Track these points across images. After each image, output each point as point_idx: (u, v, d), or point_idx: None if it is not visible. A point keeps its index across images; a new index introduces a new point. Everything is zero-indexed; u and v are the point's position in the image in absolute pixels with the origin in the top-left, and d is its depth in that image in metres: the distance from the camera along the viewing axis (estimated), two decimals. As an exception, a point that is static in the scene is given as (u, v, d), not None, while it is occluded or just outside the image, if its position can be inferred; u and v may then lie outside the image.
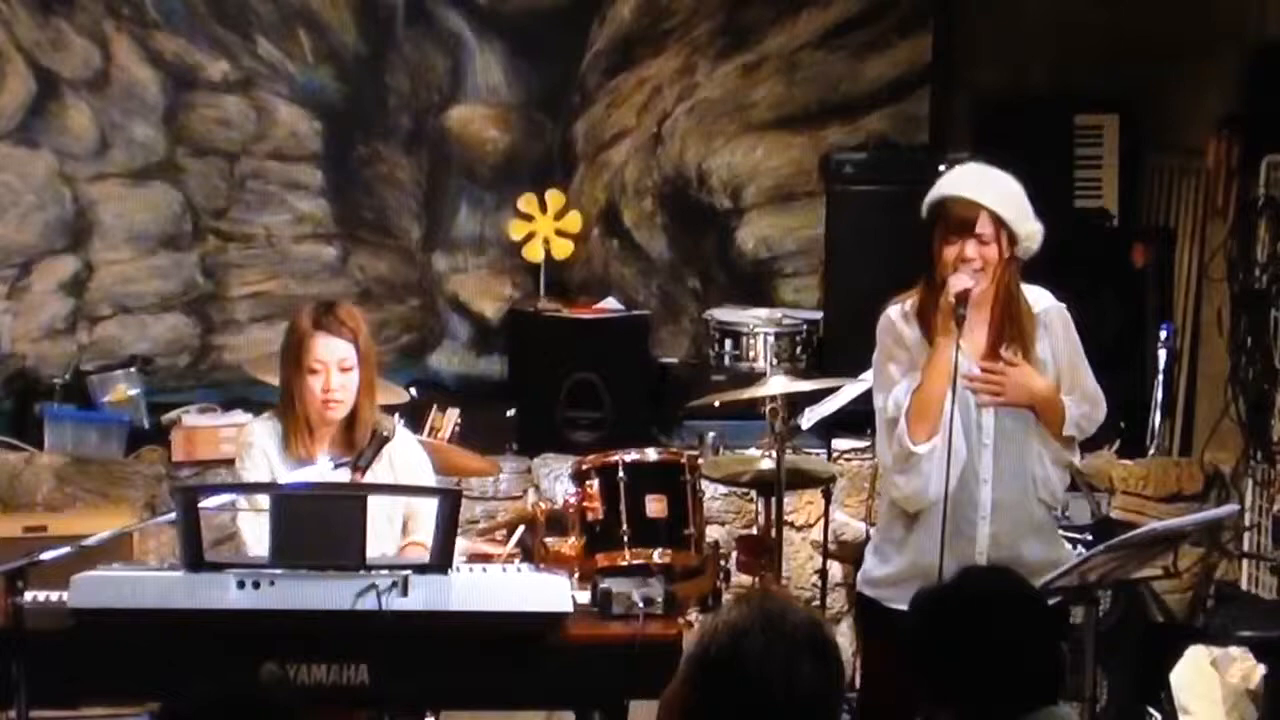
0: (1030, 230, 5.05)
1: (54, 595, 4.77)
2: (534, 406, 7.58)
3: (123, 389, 7.52)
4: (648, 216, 8.28)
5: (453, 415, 6.80)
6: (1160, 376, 7.55)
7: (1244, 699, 6.34)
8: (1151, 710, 6.58)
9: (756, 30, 8.19)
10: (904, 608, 4.86)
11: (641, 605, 4.87)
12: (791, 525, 7.09)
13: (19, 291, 7.80)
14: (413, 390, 7.08)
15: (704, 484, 6.39)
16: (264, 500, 4.92)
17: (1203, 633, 6.70)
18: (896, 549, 5.12)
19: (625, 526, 6.04)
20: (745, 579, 6.44)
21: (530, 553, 6.16)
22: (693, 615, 5.90)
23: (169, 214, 7.90)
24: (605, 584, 4.97)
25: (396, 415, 5.73)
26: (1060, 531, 6.11)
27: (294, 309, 5.50)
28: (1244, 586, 7.13)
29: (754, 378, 6.99)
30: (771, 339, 7.68)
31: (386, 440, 5.19)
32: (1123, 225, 7.93)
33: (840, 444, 7.34)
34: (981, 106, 8.13)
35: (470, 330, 8.19)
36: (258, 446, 5.25)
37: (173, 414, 7.44)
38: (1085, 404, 5.13)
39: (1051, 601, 4.66)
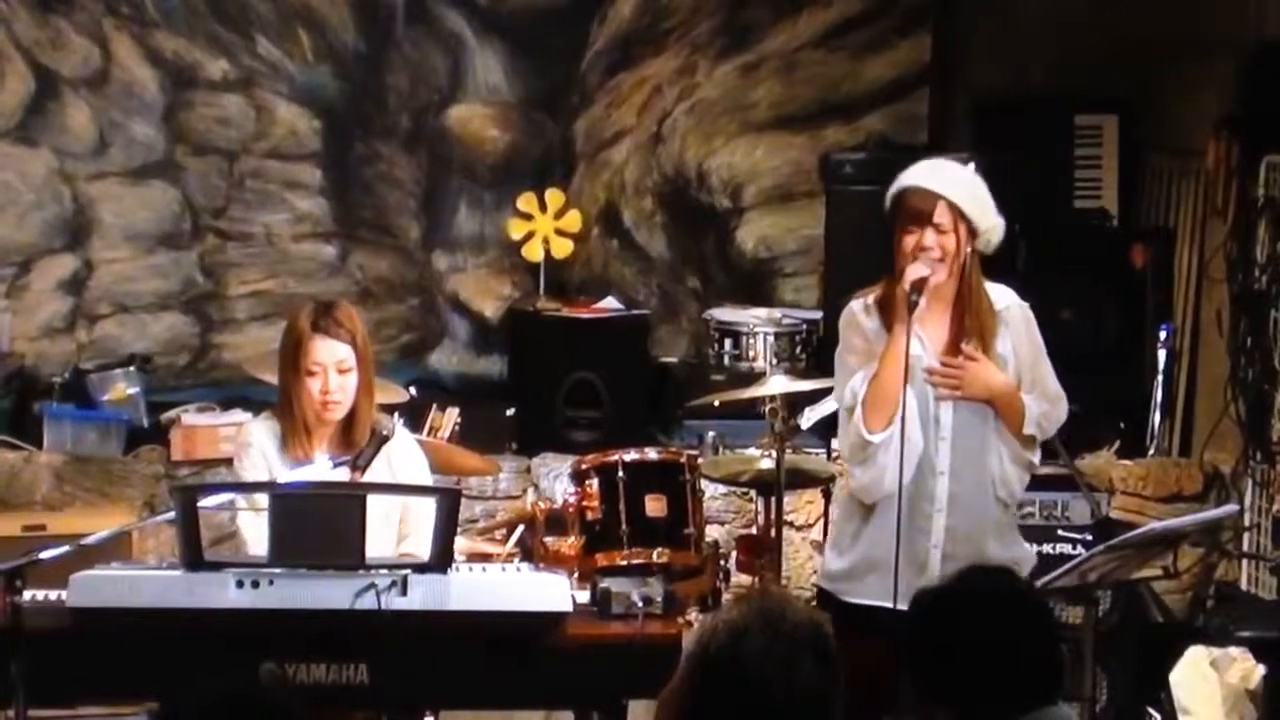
0: (990, 224, 5.06)
1: (53, 594, 4.76)
2: (533, 406, 7.58)
3: (122, 388, 7.51)
4: (647, 216, 8.28)
5: (452, 414, 6.80)
6: (1160, 377, 7.55)
7: (1243, 699, 6.34)
8: (1151, 711, 6.57)
9: (756, 30, 8.19)
10: (860, 601, 4.86)
11: (641, 605, 4.86)
12: (791, 525, 7.08)
13: (18, 290, 7.80)
14: (412, 389, 7.07)
15: (703, 483, 6.39)
16: (264, 499, 4.91)
17: (1202, 633, 6.70)
18: (852, 541, 5.14)
19: (625, 526, 6.04)
20: (745, 579, 6.44)
21: (530, 552, 6.16)
22: (692, 615, 5.89)
23: (168, 213, 7.90)
24: (605, 583, 4.96)
25: (396, 414, 5.73)
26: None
27: (292, 310, 5.48)
28: (1244, 587, 7.14)
29: (754, 377, 6.99)
30: (771, 339, 7.68)
31: (386, 439, 5.19)
32: (1122, 225, 7.93)
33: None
34: (981, 106, 8.13)
35: (470, 329, 8.19)
36: (256, 447, 5.25)
37: (172, 413, 7.43)
38: (1046, 403, 5.15)
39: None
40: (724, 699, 3.24)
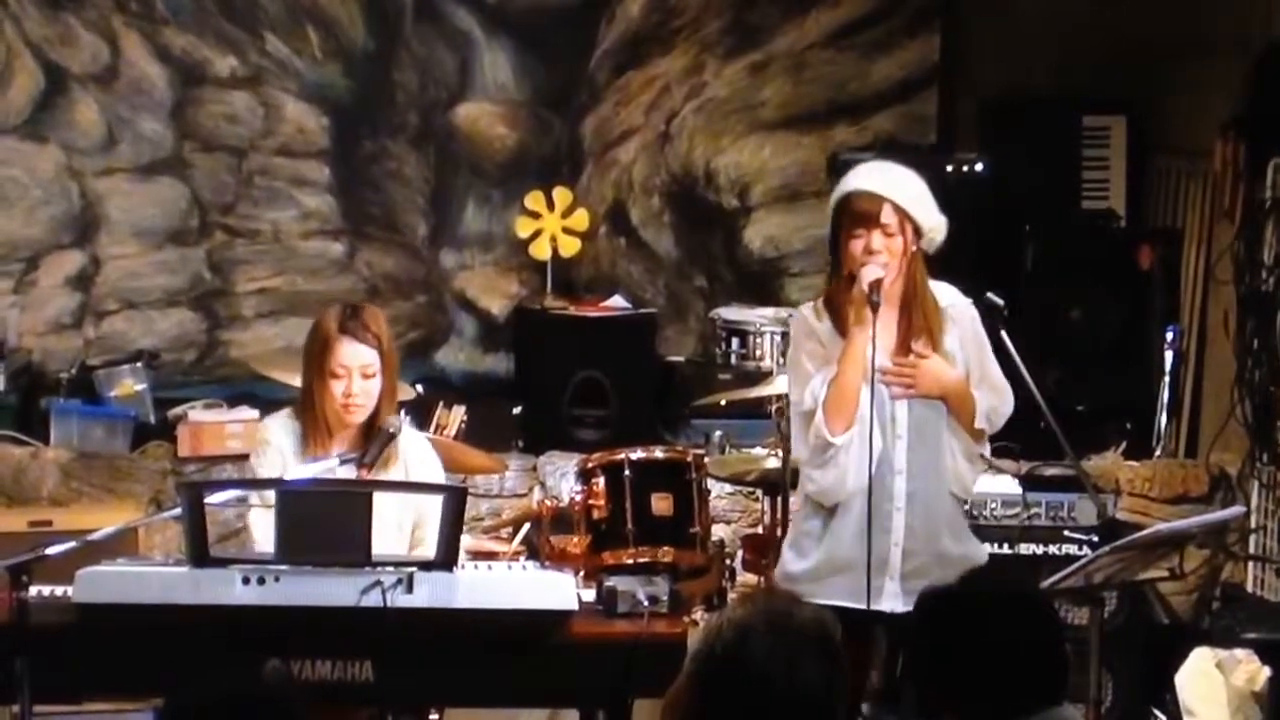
0: (934, 223, 5.12)
1: (59, 590, 4.76)
2: (540, 404, 7.58)
3: (129, 384, 7.52)
4: (655, 215, 8.29)
5: (458, 412, 6.80)
6: (1166, 378, 7.55)
7: (1249, 701, 6.34)
8: (1156, 712, 6.57)
9: (765, 30, 8.19)
10: (826, 602, 4.88)
11: (646, 604, 4.86)
12: (796, 524, 7.08)
13: (26, 286, 7.81)
14: (419, 387, 7.08)
15: (710, 482, 6.38)
16: (271, 497, 4.91)
17: (1208, 635, 6.69)
18: (815, 542, 5.16)
19: (630, 525, 6.03)
20: (750, 578, 6.44)
21: (535, 550, 6.16)
22: (698, 614, 5.89)
23: (176, 209, 7.91)
24: (610, 582, 4.96)
25: (402, 412, 5.73)
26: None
27: (320, 310, 5.46)
28: (1249, 589, 7.12)
29: (760, 376, 6.99)
30: (778, 338, 7.66)
31: (392, 437, 5.18)
32: (1129, 226, 7.93)
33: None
34: (989, 107, 8.13)
35: (477, 327, 8.20)
36: (274, 444, 5.24)
37: (179, 409, 7.44)
38: (994, 396, 5.20)
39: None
40: (729, 698, 3.24)
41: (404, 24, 8.03)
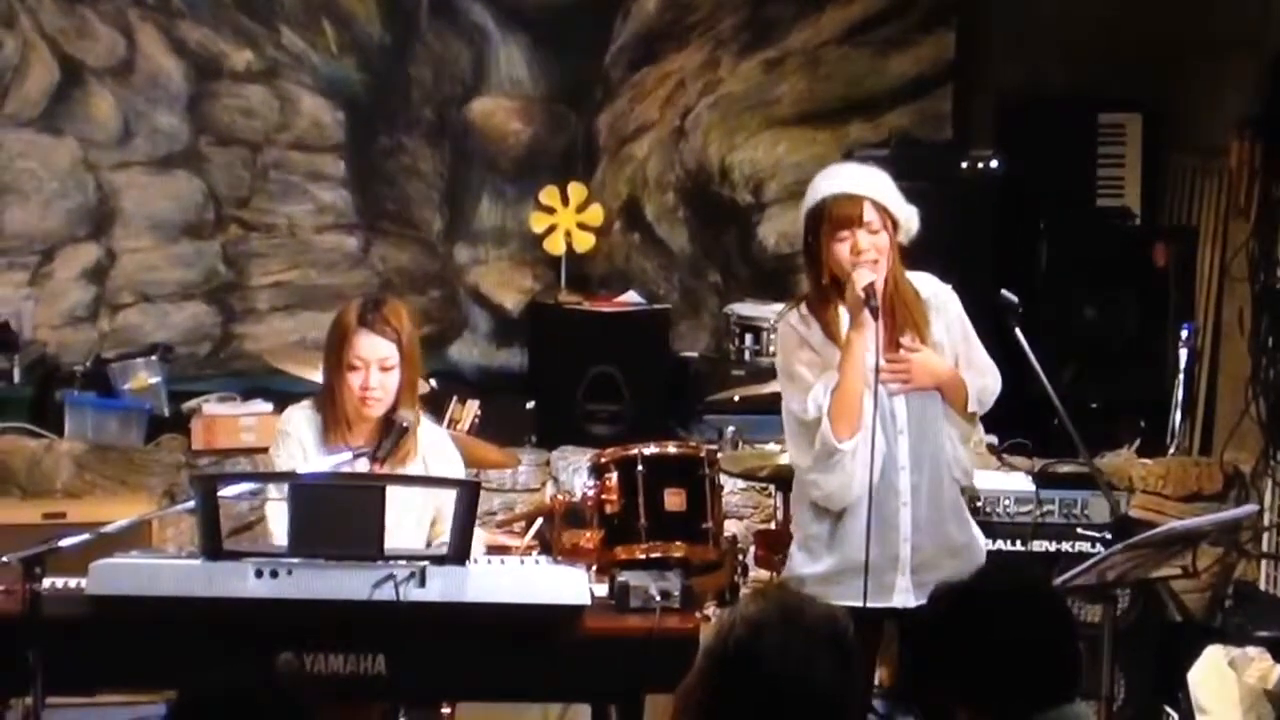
0: (908, 214, 5.14)
1: (72, 582, 4.77)
2: (553, 399, 7.58)
3: (143, 377, 7.53)
4: (669, 210, 8.29)
5: (472, 407, 6.80)
6: (1181, 376, 7.53)
7: (1261, 699, 6.33)
8: (1168, 709, 6.57)
9: (780, 26, 8.19)
10: (844, 603, 4.86)
11: (659, 599, 4.86)
12: (809, 521, 7.07)
13: (41, 278, 7.83)
14: (432, 381, 7.07)
15: (722, 478, 6.37)
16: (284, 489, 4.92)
17: (1220, 632, 6.69)
18: (826, 546, 5.15)
19: (643, 520, 6.02)
20: (763, 574, 6.43)
21: (548, 545, 6.16)
22: (710, 609, 5.89)
23: (191, 203, 7.92)
24: (623, 577, 4.96)
25: (417, 407, 5.73)
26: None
27: (344, 302, 5.47)
28: (1262, 587, 7.12)
29: (774, 373, 6.97)
30: (792, 334, 7.66)
31: (405, 431, 5.19)
32: (1145, 224, 7.92)
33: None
34: (1004, 104, 8.12)
35: (491, 322, 8.20)
36: (294, 436, 5.25)
37: (193, 402, 7.45)
38: (983, 377, 5.22)
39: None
40: (742, 694, 3.24)
41: (419, 19, 8.03)
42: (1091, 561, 5.04)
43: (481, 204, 8.16)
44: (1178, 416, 7.56)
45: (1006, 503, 6.41)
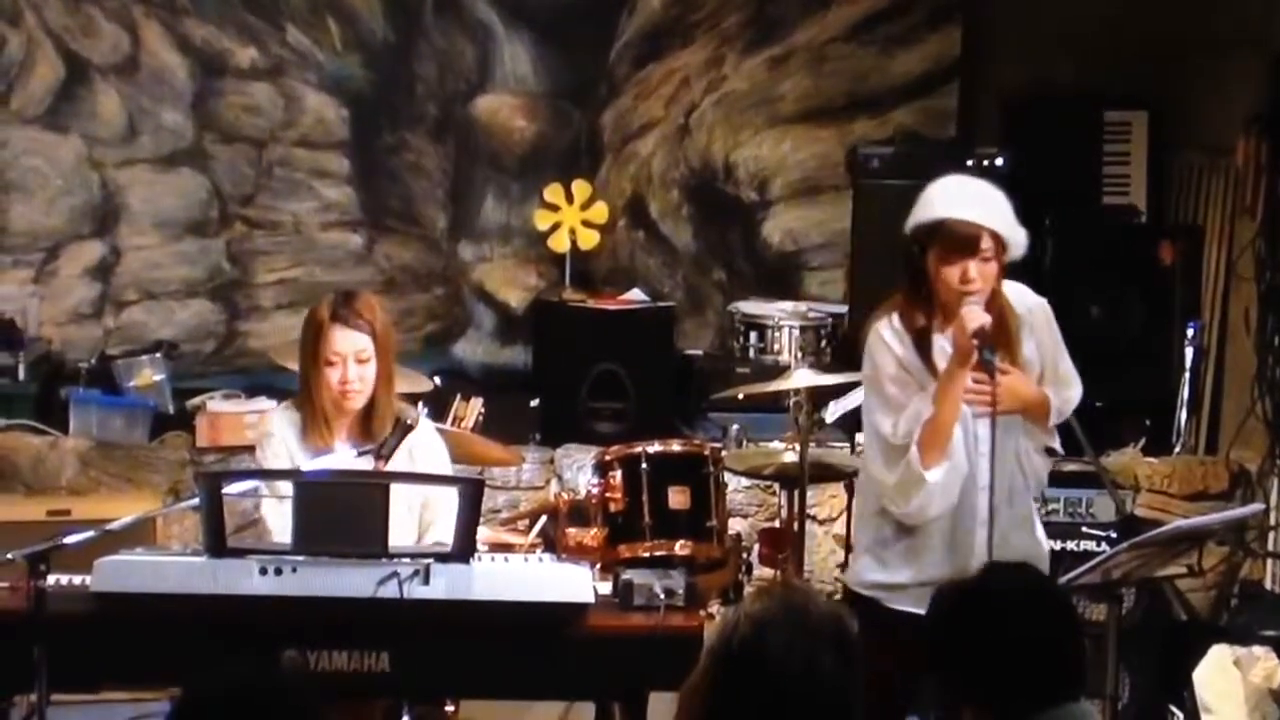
0: (1019, 239, 4.99)
1: (76, 579, 4.78)
2: (557, 397, 7.58)
3: (148, 374, 7.53)
4: (674, 208, 8.28)
5: (476, 404, 6.79)
6: (1187, 374, 7.53)
7: (1266, 699, 6.33)
8: (1173, 709, 6.56)
9: (785, 23, 8.18)
10: (907, 609, 4.83)
11: (662, 597, 4.86)
12: (814, 519, 7.08)
13: (46, 276, 7.83)
14: (437, 379, 7.08)
15: (727, 476, 6.38)
16: (287, 488, 4.92)
17: (1226, 632, 6.69)
18: (901, 559, 5.04)
19: (647, 518, 6.03)
20: (767, 572, 6.44)
21: (552, 543, 6.16)
22: (714, 607, 5.89)
23: (196, 200, 7.92)
24: (627, 575, 4.96)
25: (420, 404, 5.73)
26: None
27: (315, 299, 5.49)
28: (1268, 586, 7.12)
29: (778, 371, 6.98)
30: (796, 332, 7.67)
31: (410, 429, 5.19)
32: (1150, 222, 7.92)
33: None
34: (1010, 102, 8.11)
35: (495, 320, 8.19)
36: (277, 436, 5.27)
37: (197, 400, 7.45)
38: (1067, 389, 5.11)
39: None
40: (746, 692, 3.23)
41: (424, 16, 8.03)
42: (1097, 560, 5.04)
43: (486, 201, 8.16)
44: (1183, 415, 7.56)
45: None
